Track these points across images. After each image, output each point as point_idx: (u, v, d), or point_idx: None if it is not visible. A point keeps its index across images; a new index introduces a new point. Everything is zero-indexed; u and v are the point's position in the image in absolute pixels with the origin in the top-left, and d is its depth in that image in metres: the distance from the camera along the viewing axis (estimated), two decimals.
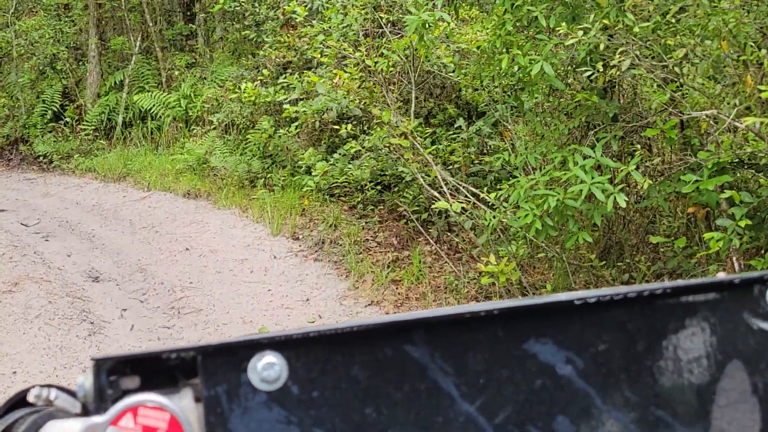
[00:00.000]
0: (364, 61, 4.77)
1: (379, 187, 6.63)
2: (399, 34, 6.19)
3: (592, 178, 3.79)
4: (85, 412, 0.53)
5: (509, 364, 0.52)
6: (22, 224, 7.76)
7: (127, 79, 10.67)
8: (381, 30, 6.01)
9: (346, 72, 4.79)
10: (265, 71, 7.09)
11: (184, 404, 0.51)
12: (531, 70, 3.81)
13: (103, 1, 11.23)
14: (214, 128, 8.58)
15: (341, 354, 0.51)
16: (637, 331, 0.54)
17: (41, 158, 10.30)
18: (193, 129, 9.20)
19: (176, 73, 10.46)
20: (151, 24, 10.94)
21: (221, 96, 7.76)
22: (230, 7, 9.04)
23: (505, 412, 0.52)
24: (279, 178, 7.42)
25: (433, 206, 4.84)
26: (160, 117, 9.90)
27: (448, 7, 4.18)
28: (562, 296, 0.54)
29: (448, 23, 4.17)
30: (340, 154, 5.94)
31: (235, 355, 0.50)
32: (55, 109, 10.85)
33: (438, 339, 0.52)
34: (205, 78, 10.12)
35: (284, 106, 5.47)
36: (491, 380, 0.52)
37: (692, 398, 0.53)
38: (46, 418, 0.58)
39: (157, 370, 0.52)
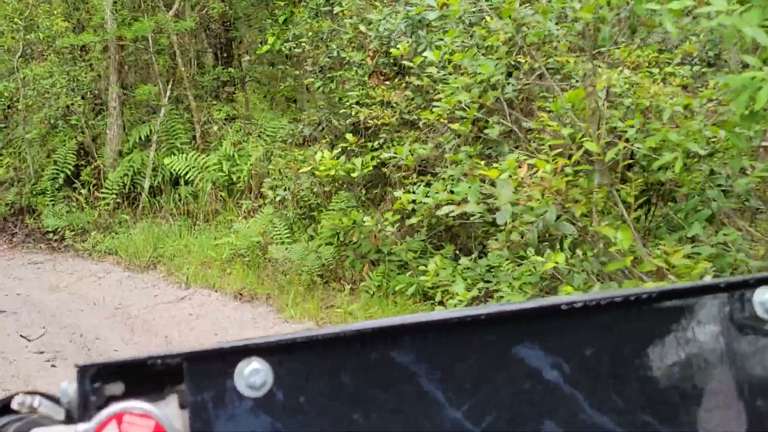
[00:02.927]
0: (574, 140, 2.82)
1: None
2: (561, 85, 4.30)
3: None
4: (69, 419, 0.52)
5: (496, 369, 0.51)
6: (21, 336, 5.88)
7: (155, 134, 8.82)
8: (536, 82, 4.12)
9: (539, 157, 2.82)
10: (349, 136, 5.23)
11: (170, 411, 0.49)
12: None
13: (126, 42, 9.42)
14: (270, 202, 6.67)
15: (328, 359, 0.50)
16: (625, 335, 0.52)
17: (51, 234, 8.39)
18: (242, 202, 7.29)
19: (214, 127, 8.61)
20: (182, 68, 9.15)
21: (287, 167, 5.86)
22: (287, 48, 7.21)
23: (492, 417, 0.51)
24: (369, 277, 5.48)
25: None
26: (196, 182, 8.03)
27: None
28: (550, 301, 0.53)
29: None
30: (482, 266, 3.98)
31: (222, 360, 0.49)
32: (69, 172, 9.00)
33: (425, 344, 0.51)
34: (250, 134, 8.27)
35: (410, 201, 3.57)
36: (478, 385, 0.51)
37: (679, 402, 0.52)
38: (30, 425, 0.56)
39: (142, 377, 0.50)
